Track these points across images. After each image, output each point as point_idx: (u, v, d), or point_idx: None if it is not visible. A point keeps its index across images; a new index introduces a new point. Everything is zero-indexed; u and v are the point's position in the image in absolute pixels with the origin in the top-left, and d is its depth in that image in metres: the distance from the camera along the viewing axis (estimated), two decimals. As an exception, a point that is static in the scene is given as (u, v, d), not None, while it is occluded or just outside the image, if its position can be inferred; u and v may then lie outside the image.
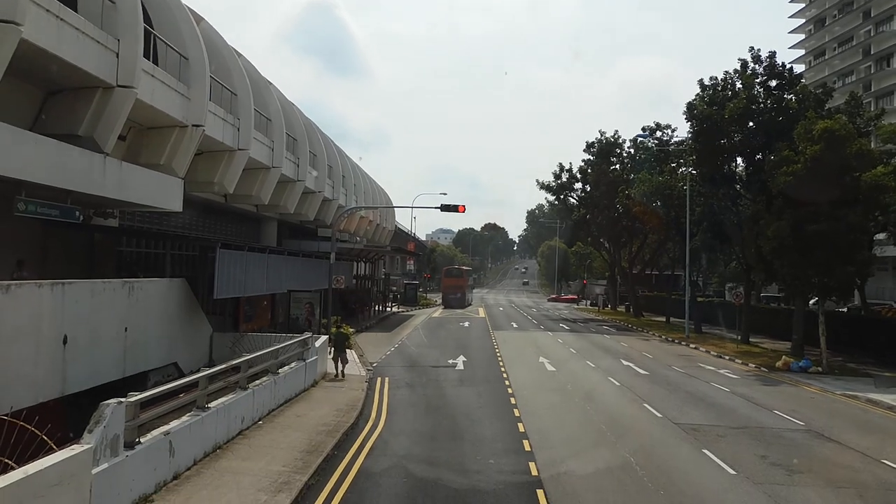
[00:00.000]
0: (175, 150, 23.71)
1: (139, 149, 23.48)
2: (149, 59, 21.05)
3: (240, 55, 30.80)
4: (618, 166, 68.84)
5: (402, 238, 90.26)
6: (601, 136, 69.64)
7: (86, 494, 9.58)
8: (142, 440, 11.39)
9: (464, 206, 36.32)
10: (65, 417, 14.60)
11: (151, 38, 21.69)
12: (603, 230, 70.84)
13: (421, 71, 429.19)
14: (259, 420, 17.22)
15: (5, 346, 14.56)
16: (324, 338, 26.30)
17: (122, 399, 10.90)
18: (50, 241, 21.70)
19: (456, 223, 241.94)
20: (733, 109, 38.38)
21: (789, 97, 39.34)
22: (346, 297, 50.02)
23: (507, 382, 25.64)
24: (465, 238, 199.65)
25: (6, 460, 10.02)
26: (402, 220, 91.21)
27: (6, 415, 10.89)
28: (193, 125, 23.80)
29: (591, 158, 69.39)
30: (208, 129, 24.96)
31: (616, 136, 69.55)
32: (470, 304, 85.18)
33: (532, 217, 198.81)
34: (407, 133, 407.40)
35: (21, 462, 9.87)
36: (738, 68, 41.23)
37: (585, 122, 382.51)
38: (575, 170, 71.28)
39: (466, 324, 55.08)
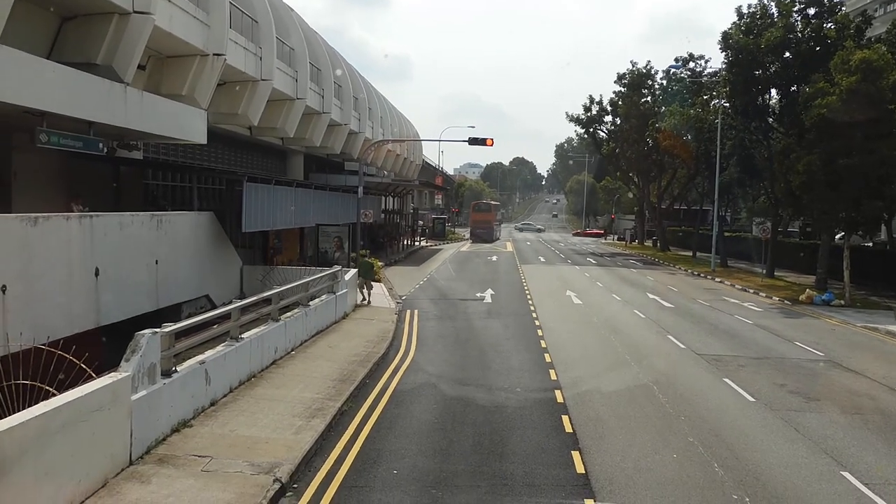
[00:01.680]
0: (196, 80, 23.32)
1: (160, 79, 23.13)
2: (166, -16, 20.47)
3: (259, -19, 29.97)
4: (649, 99, 67.19)
5: (430, 172, 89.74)
6: (633, 67, 67.63)
7: (126, 420, 9.64)
8: (178, 369, 11.42)
9: (492, 139, 35.73)
10: (102, 348, 14.66)
11: (167, -39, 21.04)
12: (632, 164, 69.68)
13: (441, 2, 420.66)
14: (292, 351, 17.30)
15: (38, 277, 14.61)
16: (353, 271, 26.26)
17: (157, 329, 10.87)
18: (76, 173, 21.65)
19: (484, 157, 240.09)
20: (770, 39, 37.07)
21: (828, 26, 37.81)
22: (374, 232, 49.95)
23: (534, 315, 25.71)
24: (493, 172, 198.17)
25: (46, 387, 10.04)
26: (430, 154, 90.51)
27: (43, 344, 10.88)
28: (214, 54, 23.36)
29: (622, 91, 67.64)
30: (230, 58, 24.50)
31: (648, 68, 67.55)
32: (498, 239, 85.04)
33: (561, 151, 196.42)
34: (430, 65, 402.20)
35: (61, 390, 9.88)
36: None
37: (614, 56, 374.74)
38: (605, 102, 69.72)
39: (494, 258, 55.04)
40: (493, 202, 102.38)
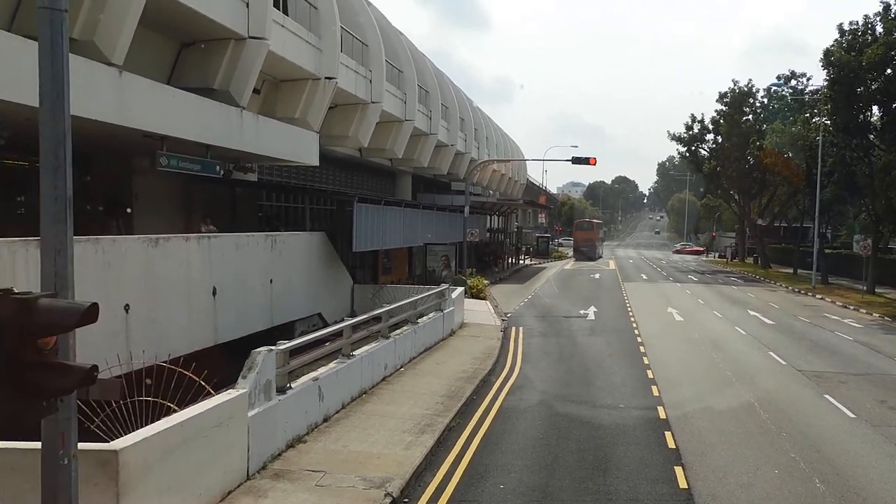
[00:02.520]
0: (309, 103, 24.02)
1: (274, 102, 23.94)
2: (279, 9, 21.19)
3: (369, 4, 30.73)
4: (750, 117, 65.73)
5: (534, 191, 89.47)
6: (734, 85, 66.33)
7: (244, 435, 9.91)
8: (292, 385, 11.71)
9: (594, 158, 35.58)
10: (220, 365, 15.20)
11: (280, -14, 21.76)
12: (733, 182, 68.23)
13: (542, 22, 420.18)
14: (401, 367, 17.49)
15: (159, 296, 15.28)
16: (460, 289, 26.39)
17: (272, 347, 11.18)
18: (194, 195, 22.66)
19: (587, 176, 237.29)
20: (872, 56, 35.68)
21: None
22: (480, 250, 50.11)
23: (636, 332, 25.65)
24: (595, 191, 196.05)
25: (168, 403, 10.47)
26: (534, 173, 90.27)
27: (164, 361, 11.37)
28: (326, 77, 24.01)
29: (724, 109, 66.35)
30: (341, 81, 25.12)
31: (749, 86, 66.15)
32: (600, 257, 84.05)
33: (662, 170, 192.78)
34: (531, 85, 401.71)
35: (181, 406, 10.28)
36: (881, 10, 37.79)
37: (715, 74, 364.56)
38: (707, 121, 68.43)
39: (597, 275, 54.59)
40: (595, 220, 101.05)
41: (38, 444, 6.30)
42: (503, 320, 27.40)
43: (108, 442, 8.09)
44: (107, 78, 14.33)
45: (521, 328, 25.75)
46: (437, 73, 42.05)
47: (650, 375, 18.27)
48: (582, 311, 31.21)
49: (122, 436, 8.48)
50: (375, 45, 29.37)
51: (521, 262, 66.49)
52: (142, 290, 14.63)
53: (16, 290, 4.54)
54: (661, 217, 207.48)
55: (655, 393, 16.40)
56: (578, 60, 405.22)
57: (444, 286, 24.44)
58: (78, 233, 6.27)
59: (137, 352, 12.39)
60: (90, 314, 4.55)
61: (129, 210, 19.46)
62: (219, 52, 19.50)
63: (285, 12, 22.04)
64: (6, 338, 4.41)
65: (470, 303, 29.07)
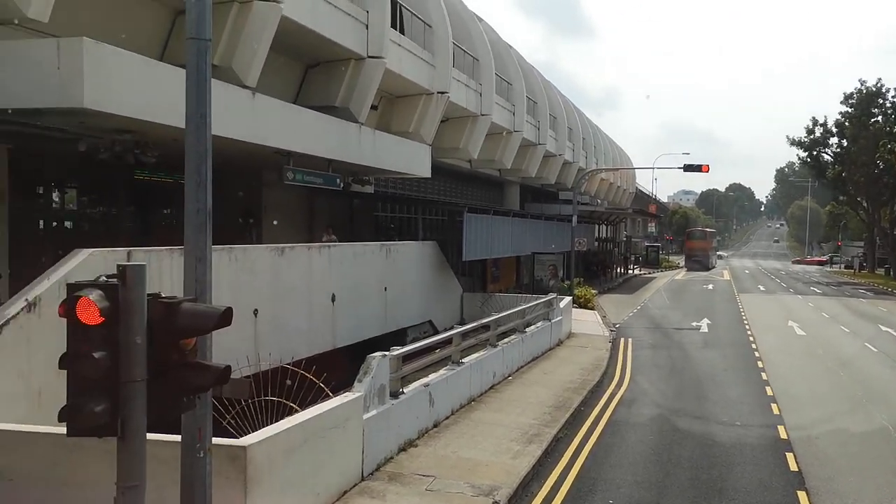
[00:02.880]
0: (422, 117, 24.68)
1: (390, 117, 24.74)
2: (395, 29, 21.98)
3: (480, 20, 31.23)
4: (880, 118, 61.61)
5: (643, 200, 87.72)
6: (861, 85, 62.50)
7: (359, 437, 10.27)
8: (405, 390, 11.99)
9: (707, 165, 34.69)
10: (337, 369, 15.83)
11: (397, 7, 22.57)
12: (860, 188, 64.22)
13: (649, 29, 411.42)
14: (508, 376, 17.61)
15: (284, 301, 16.09)
16: (568, 299, 26.28)
17: (386, 353, 11.53)
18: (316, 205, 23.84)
19: (698, 184, 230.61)
20: None
21: None
22: (587, 260, 49.65)
23: (753, 346, 24.58)
24: (708, 199, 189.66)
25: (290, 403, 11.05)
26: (643, 181, 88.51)
27: (288, 364, 12.00)
28: (439, 92, 24.61)
29: (849, 110, 62.65)
30: (452, 95, 25.67)
31: (879, 86, 62.05)
32: (714, 267, 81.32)
33: (781, 176, 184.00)
34: (638, 93, 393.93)
35: (302, 406, 10.84)
36: None
37: (838, 75, 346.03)
38: (830, 123, 64.89)
39: (710, 286, 52.90)
40: (708, 229, 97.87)
41: (176, 437, 6.87)
42: (612, 331, 27.08)
43: (238, 438, 8.62)
44: (242, 100, 15.40)
45: (630, 339, 25.34)
46: (545, 83, 42.15)
47: (769, 392, 17.36)
48: (694, 323, 30.34)
49: (249, 433, 9.03)
50: (486, 60, 29.81)
51: (630, 271, 65.36)
52: (269, 295, 15.43)
53: (162, 295, 4.89)
54: (781, 225, 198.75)
55: (775, 411, 15.58)
56: (687, 65, 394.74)
57: (551, 295, 24.45)
58: (215, 243, 6.80)
59: (264, 354, 13.11)
60: (225, 318, 4.87)
61: (266, 221, 20.88)
62: (340, 71, 20.54)
63: (401, 32, 22.86)
64: (156, 338, 4.82)
65: (577, 312, 28.88)
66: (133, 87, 12.19)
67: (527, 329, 20.00)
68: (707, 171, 34.86)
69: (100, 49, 11.65)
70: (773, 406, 16.04)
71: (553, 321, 22.59)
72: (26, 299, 9.81)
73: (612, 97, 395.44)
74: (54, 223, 18.44)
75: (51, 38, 11.67)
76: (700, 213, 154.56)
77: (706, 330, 28.69)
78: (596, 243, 54.45)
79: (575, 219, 33.37)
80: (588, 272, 47.82)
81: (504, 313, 19.06)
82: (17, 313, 9.66)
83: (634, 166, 74.73)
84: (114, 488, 4.73)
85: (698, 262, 77.60)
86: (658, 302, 40.38)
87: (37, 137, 11.76)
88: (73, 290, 4.58)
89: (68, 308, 4.54)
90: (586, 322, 28.09)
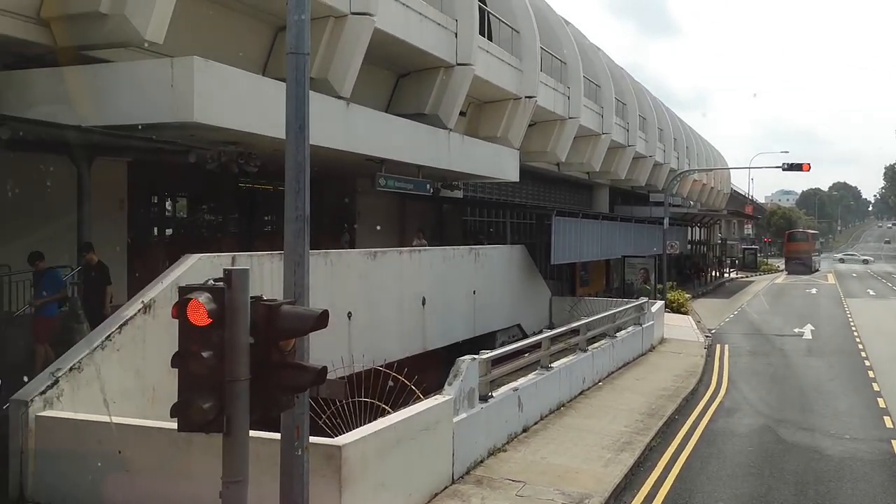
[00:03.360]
0: (510, 122, 24.79)
1: (478, 123, 24.96)
2: (483, 36, 22.20)
3: (568, 23, 31.14)
4: None
5: (739, 201, 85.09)
6: None
7: (449, 440, 10.39)
8: (494, 394, 12.04)
9: (808, 164, 33.32)
10: (427, 371, 16.06)
11: (485, 14, 22.78)
12: None
13: (740, 25, 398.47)
14: (598, 381, 17.40)
15: (376, 305, 16.42)
16: (660, 303, 25.80)
17: (476, 356, 11.61)
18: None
19: (798, 184, 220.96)
20: None
21: None
22: (680, 263, 48.57)
23: (862, 354, 23.31)
24: (809, 199, 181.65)
25: (383, 405, 11.28)
26: (739, 182, 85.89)
27: (380, 366, 12.25)
28: (526, 97, 24.69)
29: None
30: (540, 99, 25.71)
31: None
32: (817, 270, 77.59)
33: (892, 173, 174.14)
34: (729, 91, 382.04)
35: (394, 408, 11.06)
36: None
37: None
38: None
39: (813, 290, 50.47)
40: (809, 231, 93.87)
41: (275, 435, 7.15)
42: (707, 337, 26.41)
43: (333, 438, 8.88)
44: (337, 110, 15.92)
45: (726, 346, 24.63)
46: (634, 84, 41.63)
47: (882, 405, 16.33)
48: (797, 330, 29.05)
49: (344, 433, 9.29)
50: (573, 63, 29.70)
51: (726, 275, 63.46)
52: (362, 299, 15.78)
53: (264, 298, 5.07)
54: (893, 225, 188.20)
55: (889, 424, 14.69)
56: (782, 62, 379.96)
57: (642, 299, 24.07)
58: (311, 248, 7.07)
59: (358, 356, 13.44)
60: (322, 320, 5.00)
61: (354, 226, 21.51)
62: (430, 79, 20.98)
63: (489, 38, 23.11)
64: (258, 339, 5.03)
65: (670, 317, 28.29)
66: (238, 101, 12.85)
67: (617, 334, 19.75)
68: (808, 170, 33.65)
69: (208, 67, 12.34)
70: (887, 419, 15.13)
71: (644, 326, 22.22)
72: (142, 301, 10.41)
73: (702, 97, 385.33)
74: (167, 230, 19.47)
75: (165, 58, 12.45)
76: (801, 213, 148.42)
77: (809, 336, 27.48)
78: (689, 246, 53.17)
79: (667, 221, 32.76)
80: (681, 276, 46.78)
81: (594, 317, 18.91)
82: (135, 315, 10.25)
83: (729, 166, 72.47)
84: (220, 482, 4.94)
85: (800, 265, 74.40)
86: (757, 307, 39.00)
87: (151, 151, 12.56)
88: (184, 293, 4.82)
89: (180, 310, 4.77)
90: (680, 327, 27.49)
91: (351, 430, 9.20)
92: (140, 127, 11.94)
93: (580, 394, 16.03)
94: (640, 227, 36.43)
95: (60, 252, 12.73)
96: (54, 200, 13.39)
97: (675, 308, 31.76)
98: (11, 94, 12.30)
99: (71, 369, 9.50)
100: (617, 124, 36.08)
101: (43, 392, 9.22)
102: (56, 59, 12.67)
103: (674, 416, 14.97)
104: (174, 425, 4.90)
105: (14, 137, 10.16)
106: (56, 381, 9.34)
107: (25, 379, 9.58)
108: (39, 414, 9.10)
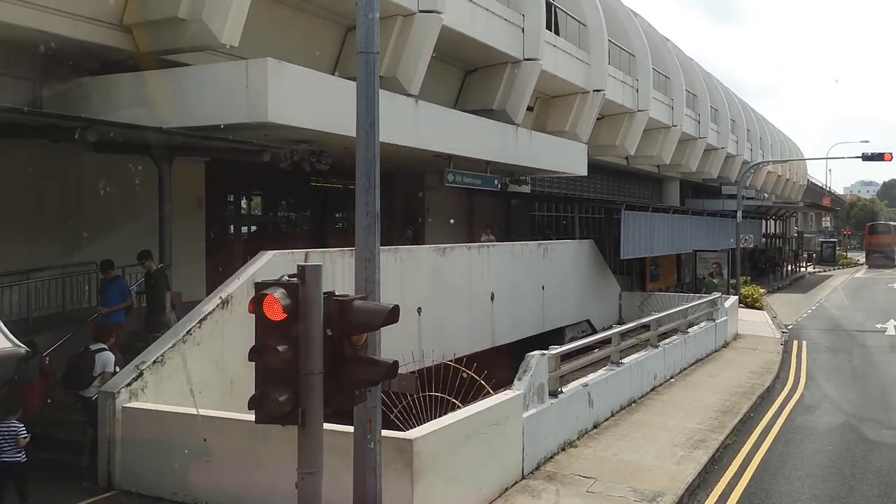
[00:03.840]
0: (578, 116, 24.65)
1: (545, 118, 24.87)
2: (550, 30, 22.10)
3: (636, 15, 30.72)
4: None
5: (815, 193, 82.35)
6: None
7: (519, 435, 10.40)
8: (563, 390, 11.99)
9: (891, 154, 32.02)
10: (496, 367, 16.12)
11: (552, 9, 22.65)
12: None
13: (811, 10, 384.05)
14: (670, 378, 17.15)
15: (446, 300, 16.55)
16: (733, 298, 25.22)
17: (545, 351, 11.59)
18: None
19: (881, 174, 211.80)
20: None
21: None
22: (755, 257, 47.35)
23: None
24: (891, 190, 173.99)
25: (452, 399, 11.38)
26: (815, 173, 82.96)
27: (450, 361, 12.35)
28: (594, 90, 24.50)
29: None
30: (608, 92, 25.45)
31: None
32: (901, 263, 74.45)
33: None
34: (805, 80, 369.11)
35: (464, 402, 11.13)
36: None
37: None
38: None
39: (895, 285, 48.45)
40: (892, 223, 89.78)
41: (348, 428, 7.30)
42: (783, 333, 25.69)
43: (404, 431, 9.01)
44: (406, 107, 16.08)
45: (804, 342, 23.89)
46: (705, 75, 40.83)
47: None
48: (879, 325, 27.94)
49: (415, 426, 9.42)
50: (642, 55, 29.30)
51: (802, 269, 61.53)
52: (431, 294, 15.93)
53: (336, 293, 5.17)
54: None
55: None
56: (862, 48, 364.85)
57: (715, 294, 23.58)
58: (381, 244, 7.18)
59: (427, 351, 13.56)
60: (393, 315, 5.08)
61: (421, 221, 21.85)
62: (497, 75, 21.06)
63: (556, 33, 23.00)
64: (333, 334, 5.08)
65: (744, 313, 27.60)
66: (310, 100, 13.15)
67: (689, 330, 19.40)
68: (890, 160, 32.44)
69: (281, 68, 12.66)
70: (981, 419, 14.46)
71: (717, 321, 21.76)
72: (220, 297, 10.77)
73: (776, 86, 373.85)
74: (242, 227, 20.00)
75: (240, 61, 12.87)
76: (883, 205, 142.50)
77: (893, 332, 26.40)
78: (764, 240, 51.80)
79: (740, 214, 32.09)
80: (755, 270, 45.64)
81: (665, 313, 18.61)
82: (213, 310, 10.63)
83: (805, 157, 70.10)
84: (294, 473, 5.07)
85: (882, 259, 71.39)
86: (836, 301, 37.69)
87: (228, 150, 12.94)
88: (260, 289, 4.96)
89: (256, 305, 4.92)
90: (754, 323, 26.84)
91: (422, 424, 9.31)
92: (223, 126, 12.33)
93: (651, 390, 15.83)
94: (713, 221, 35.67)
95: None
96: (136, 200, 13.94)
97: (750, 303, 31.00)
98: (96, 98, 12.88)
99: (154, 362, 9.91)
100: (687, 116, 35.42)
101: (129, 384, 9.65)
102: (137, 64, 13.19)
103: (749, 414, 14.63)
104: (252, 417, 5.05)
105: (100, 140, 10.59)
106: (140, 374, 9.76)
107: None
108: (126, 405, 9.52)
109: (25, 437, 8.67)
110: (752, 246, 39.77)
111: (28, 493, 8.74)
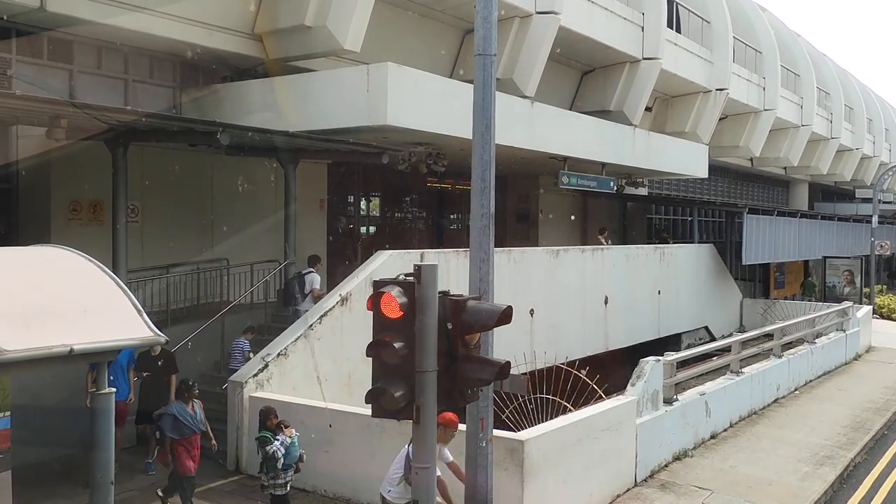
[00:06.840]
0: (699, 116, 23.93)
1: (664, 118, 24.27)
2: (671, 28, 21.58)
3: (764, 10, 29.54)
4: None
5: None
6: None
7: (632, 442, 10.27)
8: (679, 398, 11.74)
9: None
10: (608, 371, 15.92)
11: (673, 6, 22.11)
12: None
13: None
14: (795, 390, 16.43)
15: (558, 302, 16.49)
16: (867, 308, 23.80)
17: (660, 357, 11.38)
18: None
19: None
20: None
21: None
22: (892, 265, 44.47)
23: None
24: None
25: (564, 402, 11.32)
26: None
27: (562, 363, 12.28)
28: (717, 89, 23.73)
29: None
30: (732, 91, 24.60)
31: None
32: None
33: None
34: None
35: (575, 406, 11.06)
36: None
37: None
38: None
39: None
40: None
41: (461, 426, 7.42)
42: (928, 346, 24.02)
43: (516, 432, 9.06)
44: (522, 109, 16.09)
45: (950, 357, 22.25)
46: (839, 72, 38.61)
47: None
48: None
49: (525, 428, 9.45)
50: (770, 52, 28.10)
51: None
52: (544, 296, 15.92)
53: (451, 293, 5.23)
54: None
55: None
56: None
57: (846, 304, 22.33)
58: (495, 245, 7.25)
59: (539, 352, 13.53)
60: (506, 316, 5.09)
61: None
62: (615, 75, 20.75)
63: (678, 30, 22.44)
64: (447, 333, 5.13)
65: (880, 324, 26.03)
66: (427, 103, 13.38)
67: (816, 340, 18.50)
68: None
69: (401, 71, 12.97)
70: None
71: (849, 333, 20.61)
72: (340, 294, 11.20)
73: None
74: (361, 227, 20.63)
75: (361, 65, 13.28)
76: None
77: None
78: (902, 246, 48.58)
79: (875, 219, 30.35)
80: (892, 279, 42.85)
81: (790, 322, 17.83)
82: (333, 306, 11.06)
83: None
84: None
85: None
86: None
87: (349, 153, 13.40)
88: (378, 287, 5.10)
89: (374, 302, 5.05)
90: (891, 335, 25.20)
91: (533, 426, 9.34)
92: (348, 129, 12.77)
93: (774, 402, 15.23)
94: (844, 226, 33.83)
95: (267, 250, 13.89)
96: (263, 201, 14.63)
97: (886, 314, 29.21)
98: (228, 103, 13.60)
99: (279, 355, 10.41)
100: (818, 115, 33.66)
101: (255, 375, 10.18)
102: (265, 71, 13.85)
103: (883, 432, 13.85)
104: (368, 411, 5.20)
105: (232, 143, 11.20)
106: (266, 366, 10.28)
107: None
108: (252, 394, 10.04)
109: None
110: (889, 253, 37.37)
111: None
